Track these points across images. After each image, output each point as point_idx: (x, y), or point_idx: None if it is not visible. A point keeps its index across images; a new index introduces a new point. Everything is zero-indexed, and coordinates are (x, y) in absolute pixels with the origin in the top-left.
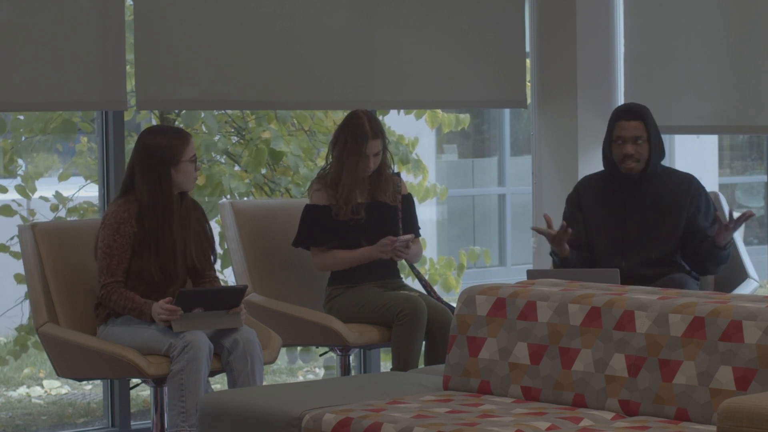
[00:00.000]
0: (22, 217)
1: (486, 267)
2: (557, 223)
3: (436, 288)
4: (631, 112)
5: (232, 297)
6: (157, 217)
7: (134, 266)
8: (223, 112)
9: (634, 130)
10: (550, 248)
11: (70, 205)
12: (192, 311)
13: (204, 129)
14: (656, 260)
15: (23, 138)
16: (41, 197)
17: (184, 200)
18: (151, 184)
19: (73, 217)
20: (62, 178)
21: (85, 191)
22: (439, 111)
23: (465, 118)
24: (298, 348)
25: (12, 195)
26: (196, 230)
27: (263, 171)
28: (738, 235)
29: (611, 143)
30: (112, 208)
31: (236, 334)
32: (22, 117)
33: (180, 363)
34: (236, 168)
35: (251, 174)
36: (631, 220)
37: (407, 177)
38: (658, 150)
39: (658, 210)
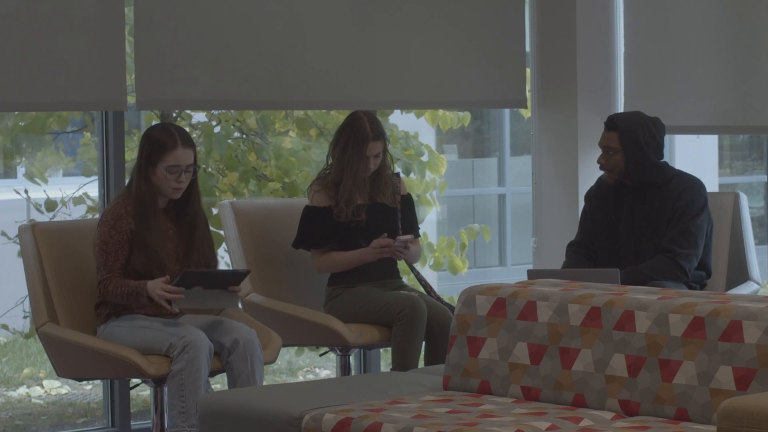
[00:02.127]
0: (35, 205)
1: (486, 267)
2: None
3: (437, 283)
4: (609, 121)
5: (234, 280)
6: (147, 213)
7: (131, 262)
8: (225, 112)
9: (606, 140)
10: None
11: (73, 204)
12: (192, 289)
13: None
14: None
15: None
16: (46, 198)
17: (193, 205)
18: (140, 176)
19: (80, 206)
20: (65, 165)
21: (88, 189)
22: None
23: (465, 115)
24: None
25: (20, 182)
26: (200, 240)
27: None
28: (748, 236)
29: None
30: (110, 205)
31: (237, 334)
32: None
33: (180, 363)
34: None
35: (278, 182)
36: (623, 229)
37: (412, 176)
38: (635, 159)
39: (644, 222)
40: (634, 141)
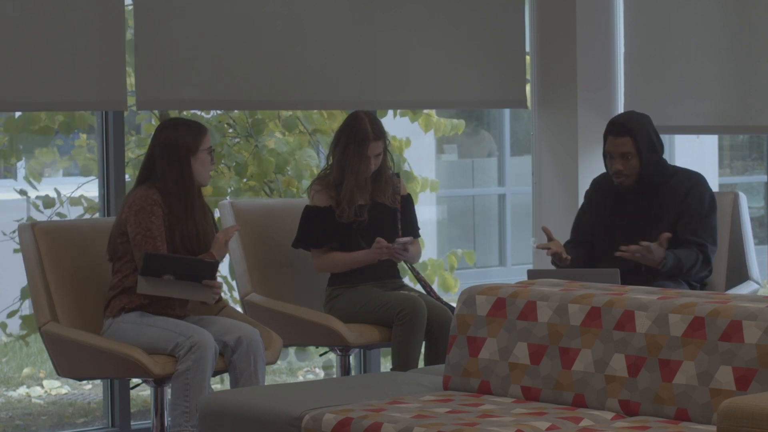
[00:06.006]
0: (33, 204)
1: (486, 267)
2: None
3: (434, 287)
4: (620, 126)
5: (205, 270)
6: (181, 204)
7: (178, 249)
8: (223, 112)
9: (622, 146)
10: (551, 259)
11: (70, 204)
12: (162, 278)
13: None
14: (646, 269)
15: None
16: (44, 196)
17: (201, 198)
18: (175, 174)
19: (77, 207)
20: (62, 165)
21: (85, 190)
22: (433, 115)
23: (459, 123)
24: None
25: (20, 186)
26: (210, 227)
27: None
28: (747, 235)
29: (605, 156)
30: (138, 192)
31: (240, 333)
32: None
33: (186, 363)
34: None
35: (257, 182)
36: (623, 229)
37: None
38: (651, 161)
39: (649, 219)
40: (649, 142)
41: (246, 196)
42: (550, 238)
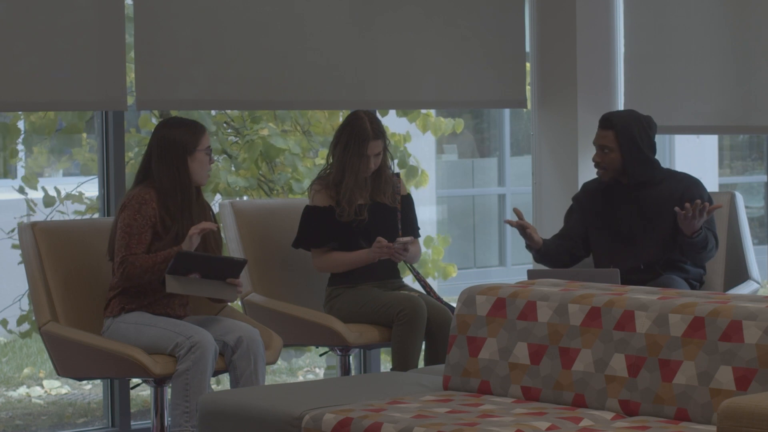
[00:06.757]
0: (31, 204)
1: (486, 267)
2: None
3: (436, 282)
4: (605, 120)
5: (232, 269)
6: (177, 204)
7: (154, 249)
8: (222, 112)
9: (602, 138)
10: (525, 243)
11: (70, 202)
12: (188, 276)
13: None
14: (646, 268)
15: (22, 137)
16: (44, 194)
17: (200, 198)
18: (170, 173)
19: (76, 204)
20: (62, 165)
21: (86, 190)
22: (431, 115)
23: (458, 122)
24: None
25: (15, 189)
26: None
27: (260, 171)
28: (745, 235)
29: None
30: (132, 192)
31: (240, 333)
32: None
33: (186, 363)
34: (232, 168)
35: (249, 172)
36: (619, 229)
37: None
38: (633, 157)
39: (646, 219)
40: (631, 139)
41: (238, 177)
42: (521, 218)
